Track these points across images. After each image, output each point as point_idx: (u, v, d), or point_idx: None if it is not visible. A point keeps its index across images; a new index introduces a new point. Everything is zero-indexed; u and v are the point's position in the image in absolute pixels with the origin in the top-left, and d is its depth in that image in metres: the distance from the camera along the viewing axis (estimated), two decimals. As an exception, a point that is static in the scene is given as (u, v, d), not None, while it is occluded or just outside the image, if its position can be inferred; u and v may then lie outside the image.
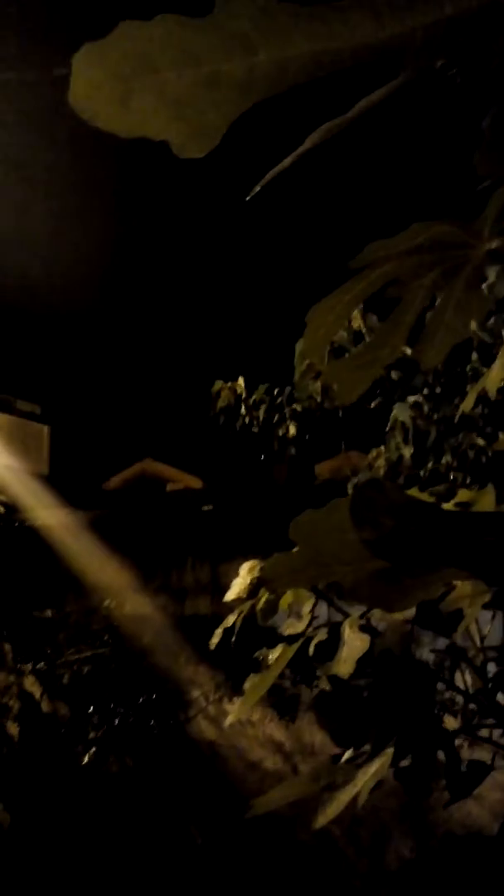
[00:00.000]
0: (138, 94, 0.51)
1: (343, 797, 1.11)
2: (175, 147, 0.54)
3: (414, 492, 1.57)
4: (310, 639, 1.20)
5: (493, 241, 0.78)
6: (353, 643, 1.07)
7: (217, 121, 0.53)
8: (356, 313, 2.82)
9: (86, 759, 3.38)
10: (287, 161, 0.62)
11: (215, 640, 1.26)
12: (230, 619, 1.23)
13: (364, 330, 2.88)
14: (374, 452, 3.55)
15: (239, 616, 1.22)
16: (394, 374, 3.22)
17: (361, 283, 0.80)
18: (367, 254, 0.76)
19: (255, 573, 1.19)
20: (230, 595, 1.17)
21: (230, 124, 0.53)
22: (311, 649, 1.13)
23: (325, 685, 1.07)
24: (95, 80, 0.50)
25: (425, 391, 2.90)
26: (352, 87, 0.57)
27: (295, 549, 0.63)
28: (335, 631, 1.14)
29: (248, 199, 0.63)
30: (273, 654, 1.27)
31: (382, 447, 3.28)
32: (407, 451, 2.77)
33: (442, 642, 1.45)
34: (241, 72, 0.50)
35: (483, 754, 1.36)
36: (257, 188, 0.62)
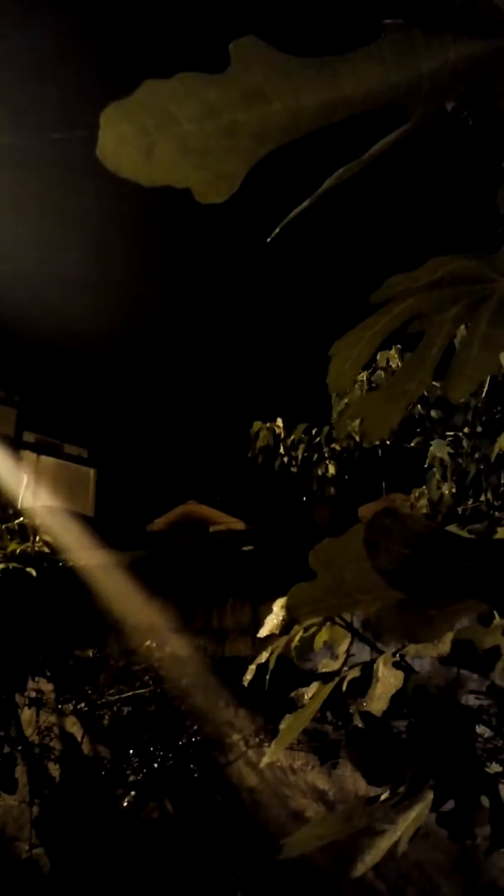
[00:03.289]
0: (161, 146, 0.54)
1: (382, 844, 1.07)
2: (197, 194, 0.57)
3: (452, 529, 1.55)
4: (344, 678, 1.19)
5: (515, 276, 0.79)
6: (387, 680, 1.06)
7: (236, 168, 0.56)
8: (393, 352, 2.83)
9: (125, 803, 3.34)
10: (306, 203, 0.64)
11: (248, 676, 1.25)
12: (263, 656, 1.22)
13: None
14: (415, 492, 3.51)
15: (272, 653, 1.22)
16: (434, 413, 3.20)
17: (384, 318, 0.82)
18: (388, 288, 0.77)
19: (288, 609, 1.18)
20: (263, 631, 1.17)
21: (248, 171, 0.56)
22: (345, 687, 1.11)
23: (357, 723, 1.05)
24: (122, 134, 0.54)
25: (465, 429, 2.88)
26: (365, 131, 0.60)
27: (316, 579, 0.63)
28: (368, 668, 1.12)
29: (268, 240, 0.65)
30: (308, 693, 1.25)
31: (424, 487, 3.24)
32: (447, 489, 2.74)
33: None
34: (257, 121, 0.53)
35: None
36: (277, 230, 0.65)
